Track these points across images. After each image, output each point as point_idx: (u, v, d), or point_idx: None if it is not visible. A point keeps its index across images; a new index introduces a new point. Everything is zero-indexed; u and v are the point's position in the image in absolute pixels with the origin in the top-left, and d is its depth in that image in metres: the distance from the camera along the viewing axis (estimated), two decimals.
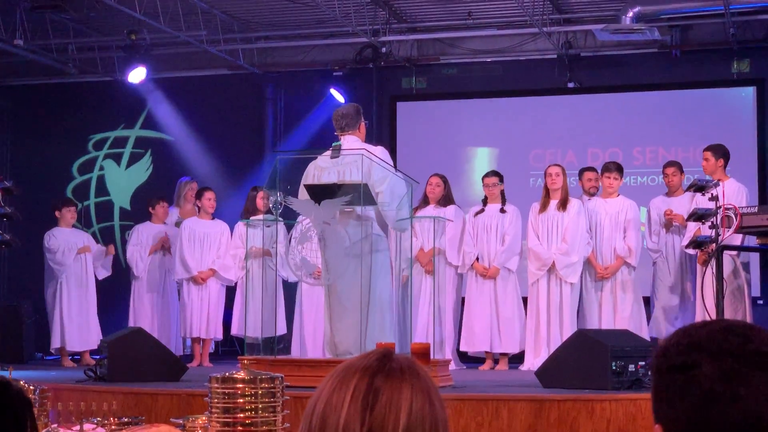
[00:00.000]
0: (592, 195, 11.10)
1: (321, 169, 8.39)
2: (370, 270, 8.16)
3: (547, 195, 10.72)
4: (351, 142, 8.45)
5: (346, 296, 8.20)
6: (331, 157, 8.38)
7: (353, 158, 8.23)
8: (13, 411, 1.77)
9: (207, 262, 11.72)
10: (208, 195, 11.88)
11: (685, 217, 10.37)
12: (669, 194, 10.97)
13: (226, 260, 11.77)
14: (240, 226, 11.58)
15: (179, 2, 12.80)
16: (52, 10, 13.03)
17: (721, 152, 10.35)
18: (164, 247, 12.06)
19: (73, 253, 11.85)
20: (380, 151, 8.38)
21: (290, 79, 14.77)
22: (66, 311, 11.80)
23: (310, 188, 8.26)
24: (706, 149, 10.45)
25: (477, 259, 10.94)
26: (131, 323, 11.85)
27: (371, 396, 1.75)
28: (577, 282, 10.56)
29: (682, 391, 1.73)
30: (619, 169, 10.98)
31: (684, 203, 10.66)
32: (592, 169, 11.43)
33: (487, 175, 11.24)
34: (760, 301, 12.21)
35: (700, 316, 9.87)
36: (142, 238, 12.11)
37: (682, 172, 10.96)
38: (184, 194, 12.58)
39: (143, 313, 11.97)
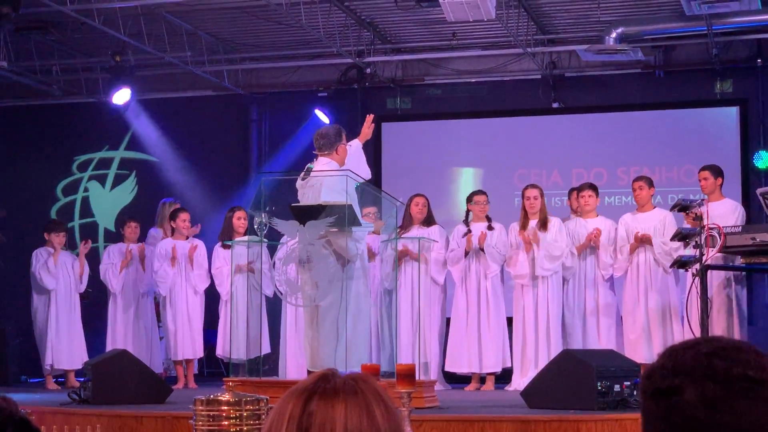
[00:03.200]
0: (579, 214, 11.13)
1: (296, 191, 8.44)
2: (347, 292, 8.19)
3: (525, 216, 10.71)
4: (323, 164, 8.44)
5: (323, 317, 8.23)
6: (302, 179, 8.42)
7: (314, 181, 8.28)
8: None
9: (182, 281, 11.72)
10: (183, 216, 11.89)
11: (653, 233, 10.40)
12: (638, 209, 10.83)
13: (201, 272, 11.80)
14: (218, 248, 11.60)
15: (164, 24, 12.81)
16: (36, 31, 13.03)
17: (717, 171, 10.36)
18: (140, 260, 12.03)
19: (53, 270, 11.82)
20: (339, 179, 8.24)
21: (275, 100, 14.79)
22: (53, 330, 11.78)
23: (294, 209, 8.27)
24: (704, 169, 10.39)
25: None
26: (109, 343, 11.83)
27: (305, 419, 1.74)
28: (556, 283, 10.57)
29: (665, 417, 1.70)
30: (593, 187, 11.04)
31: (652, 218, 10.61)
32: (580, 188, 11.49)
33: (477, 193, 11.21)
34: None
35: (681, 336, 9.86)
36: (113, 257, 12.11)
37: (651, 186, 10.71)
38: (166, 215, 12.58)
39: (118, 331, 11.94)
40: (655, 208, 10.77)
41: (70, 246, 12.64)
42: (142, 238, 12.44)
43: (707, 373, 1.69)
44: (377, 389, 1.81)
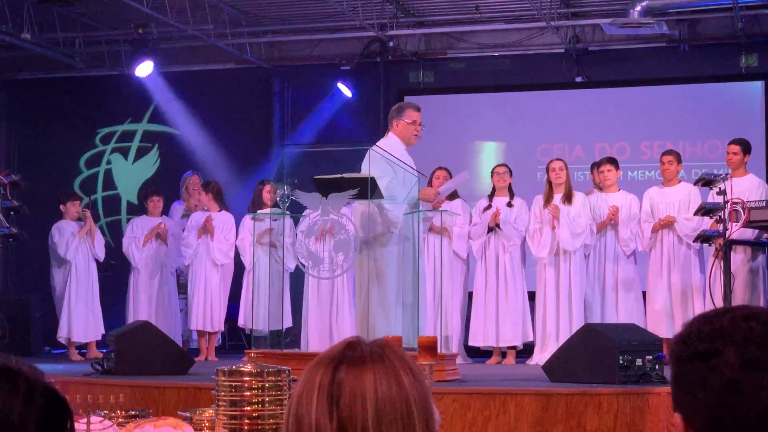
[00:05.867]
0: (601, 189, 11.11)
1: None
2: (377, 262, 8.22)
3: (550, 189, 10.70)
4: (384, 138, 8.75)
5: (357, 288, 8.30)
6: None
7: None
8: (58, 421, 1.75)
9: (203, 253, 11.77)
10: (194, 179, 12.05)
11: (678, 208, 10.39)
12: (665, 184, 10.84)
13: (222, 245, 11.82)
14: (247, 218, 11.62)
15: None
16: (59, 4, 13.03)
17: (747, 147, 10.31)
18: (160, 236, 12.07)
19: (76, 243, 11.90)
20: (376, 150, 8.45)
21: (297, 73, 14.77)
22: (73, 302, 11.87)
23: (316, 182, 8.29)
24: (735, 143, 10.34)
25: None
26: (130, 315, 11.90)
27: (335, 389, 1.74)
28: (578, 259, 10.54)
29: (702, 380, 1.69)
30: (613, 161, 11.00)
31: (678, 193, 10.60)
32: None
33: (497, 165, 11.28)
34: None
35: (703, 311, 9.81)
36: (136, 231, 12.16)
37: (679, 161, 10.73)
38: (185, 188, 12.66)
39: (141, 305, 12.00)
40: (681, 182, 10.74)
41: (93, 218, 12.66)
42: (165, 211, 12.49)
43: (746, 336, 1.68)
44: (403, 357, 1.81)
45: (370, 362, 1.76)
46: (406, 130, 8.72)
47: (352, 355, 1.78)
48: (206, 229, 11.74)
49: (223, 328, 12.08)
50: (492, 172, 11.22)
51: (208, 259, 11.79)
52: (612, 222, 10.67)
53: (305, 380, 1.78)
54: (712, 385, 1.68)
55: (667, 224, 10.48)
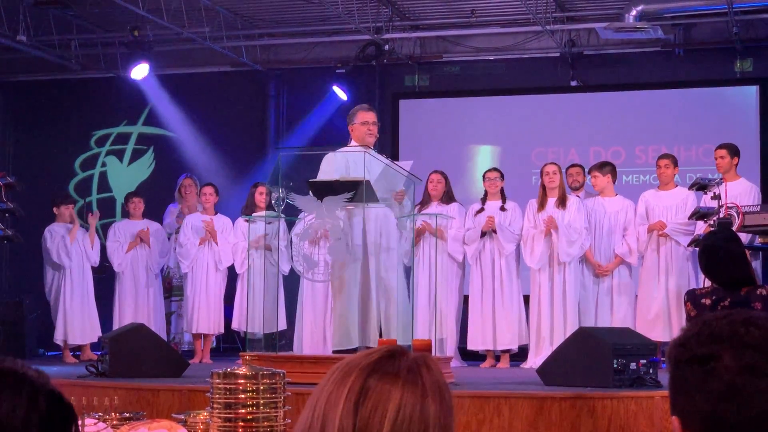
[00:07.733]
0: (574, 189, 11.12)
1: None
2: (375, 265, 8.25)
3: (544, 193, 10.71)
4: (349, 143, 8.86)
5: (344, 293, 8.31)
6: None
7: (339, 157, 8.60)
8: (62, 426, 1.76)
9: (205, 256, 11.74)
10: (206, 190, 11.96)
11: (675, 211, 10.42)
12: (661, 187, 10.87)
13: (227, 248, 11.81)
14: (241, 221, 11.62)
15: None
16: (55, 6, 13.03)
17: (734, 150, 10.33)
18: (143, 240, 12.05)
19: (75, 247, 11.89)
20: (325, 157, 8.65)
21: (293, 76, 14.77)
22: (68, 305, 11.86)
23: (311, 185, 8.31)
24: (721, 147, 10.38)
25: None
26: (116, 319, 11.88)
27: (361, 396, 1.74)
28: (573, 263, 10.55)
29: (700, 384, 1.70)
30: (606, 166, 11.04)
31: (674, 197, 10.62)
32: (576, 165, 11.51)
33: (489, 170, 11.30)
34: None
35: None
36: (119, 234, 12.13)
37: (675, 165, 10.77)
38: (179, 190, 12.66)
39: (125, 307, 11.98)
40: (677, 186, 10.76)
41: (87, 220, 12.67)
42: (155, 213, 12.47)
43: (745, 341, 1.70)
44: (438, 380, 1.81)
45: (402, 380, 1.77)
46: (359, 132, 8.78)
47: (389, 367, 1.78)
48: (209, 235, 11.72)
49: (222, 331, 12.07)
50: (483, 177, 11.22)
51: (210, 262, 11.75)
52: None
53: (337, 381, 1.78)
54: (710, 389, 1.69)
55: (658, 228, 10.51)
